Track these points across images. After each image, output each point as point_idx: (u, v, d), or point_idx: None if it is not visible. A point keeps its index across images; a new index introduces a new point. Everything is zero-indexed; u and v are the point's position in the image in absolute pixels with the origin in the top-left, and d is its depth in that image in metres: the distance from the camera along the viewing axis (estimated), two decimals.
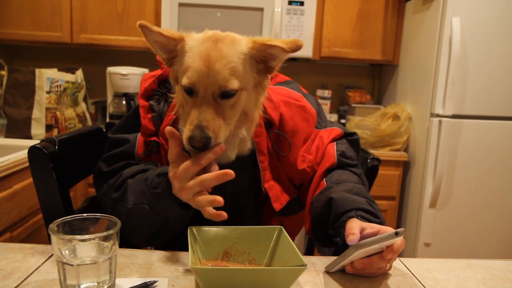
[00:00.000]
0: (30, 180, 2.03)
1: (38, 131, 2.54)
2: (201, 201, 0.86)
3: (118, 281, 0.82)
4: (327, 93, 3.24)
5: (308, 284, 0.86)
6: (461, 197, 2.62)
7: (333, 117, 3.21)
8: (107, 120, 2.86)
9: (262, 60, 0.95)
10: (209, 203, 0.85)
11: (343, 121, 3.17)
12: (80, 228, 0.81)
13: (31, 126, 2.53)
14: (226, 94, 0.89)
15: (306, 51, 2.89)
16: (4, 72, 2.56)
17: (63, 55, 3.24)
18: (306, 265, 0.77)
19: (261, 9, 2.82)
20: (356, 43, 3.02)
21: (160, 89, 1.14)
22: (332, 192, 1.05)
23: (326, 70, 3.44)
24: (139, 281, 0.83)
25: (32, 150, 1.09)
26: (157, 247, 1.21)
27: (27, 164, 1.97)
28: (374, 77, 3.51)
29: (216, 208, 0.87)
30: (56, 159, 1.11)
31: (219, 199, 0.84)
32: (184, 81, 0.90)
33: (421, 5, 2.75)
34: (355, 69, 3.48)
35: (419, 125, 2.74)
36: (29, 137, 2.52)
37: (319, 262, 0.96)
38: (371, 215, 0.98)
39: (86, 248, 0.76)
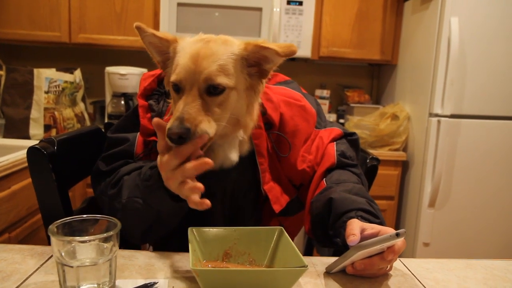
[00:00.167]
0: (29, 180, 2.02)
1: (37, 131, 2.54)
2: (184, 190, 0.85)
3: (118, 282, 0.82)
4: (325, 93, 3.24)
5: (308, 285, 0.86)
6: (460, 196, 2.62)
7: (332, 117, 3.21)
8: (106, 120, 2.86)
9: (255, 63, 0.94)
10: (191, 191, 0.84)
11: (341, 121, 3.17)
12: (79, 229, 0.81)
13: (30, 126, 2.52)
14: (213, 90, 0.88)
15: (305, 51, 2.89)
16: (2, 72, 2.55)
17: (62, 55, 3.23)
18: (307, 266, 0.77)
19: (259, 9, 2.82)
20: (355, 43, 3.02)
21: (159, 89, 1.14)
22: (332, 192, 1.05)
23: (325, 70, 3.44)
24: (139, 282, 0.82)
25: (31, 150, 1.08)
26: (155, 247, 1.21)
27: (26, 164, 1.97)
28: (373, 77, 3.51)
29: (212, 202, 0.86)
30: (55, 160, 1.10)
31: (199, 185, 0.84)
32: (172, 78, 0.90)
33: (419, 5, 2.75)
34: (353, 69, 3.48)
35: (417, 125, 2.74)
36: (27, 137, 2.51)
37: (320, 263, 0.96)
38: (371, 216, 0.98)
39: (86, 249, 0.76)
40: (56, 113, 2.60)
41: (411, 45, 2.90)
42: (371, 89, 3.51)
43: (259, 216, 1.19)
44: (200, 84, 0.87)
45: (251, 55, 0.92)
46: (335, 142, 1.20)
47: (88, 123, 2.91)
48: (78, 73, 2.78)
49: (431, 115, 2.58)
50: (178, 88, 0.90)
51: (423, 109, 2.65)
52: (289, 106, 1.15)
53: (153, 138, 1.09)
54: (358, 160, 1.24)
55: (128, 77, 2.78)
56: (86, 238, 0.76)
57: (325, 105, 3.20)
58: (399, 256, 0.91)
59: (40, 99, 2.54)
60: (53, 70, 2.63)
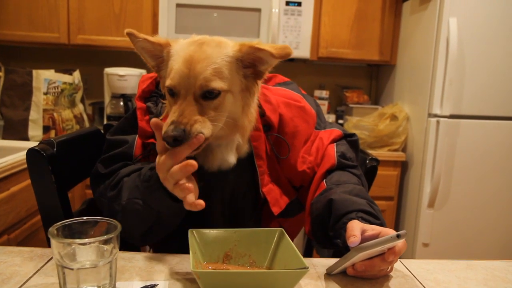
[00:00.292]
0: (28, 182, 2.02)
1: (36, 132, 2.53)
2: (176, 192, 0.86)
3: (118, 284, 0.82)
4: (324, 93, 3.24)
5: (309, 286, 0.86)
6: (459, 197, 2.62)
7: (331, 118, 3.21)
8: (105, 121, 2.85)
9: (250, 64, 0.94)
10: (182, 192, 0.84)
11: (340, 121, 3.17)
12: (79, 231, 0.80)
13: (28, 128, 2.51)
14: (209, 95, 0.88)
15: (304, 52, 2.89)
16: (1, 73, 2.54)
17: (60, 56, 3.23)
18: (308, 268, 0.76)
19: (258, 10, 2.82)
20: (354, 43, 3.03)
21: (157, 91, 1.14)
22: (332, 193, 1.05)
23: (324, 70, 3.44)
24: (139, 284, 0.82)
25: (31, 152, 1.08)
26: (155, 249, 1.21)
27: (25, 166, 1.97)
28: (372, 78, 3.51)
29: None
30: (54, 161, 1.10)
31: (189, 186, 0.84)
32: (166, 83, 0.90)
33: (418, 5, 2.76)
34: (352, 70, 3.48)
35: (417, 125, 2.74)
36: (26, 138, 2.51)
37: (320, 264, 0.96)
38: (372, 217, 0.98)
39: (86, 251, 0.76)
40: (55, 114, 2.60)
41: (410, 45, 2.90)
42: (370, 90, 3.51)
43: (259, 218, 1.19)
44: (195, 89, 0.87)
45: (245, 57, 0.92)
46: (335, 143, 1.20)
47: (87, 124, 2.91)
48: (77, 74, 2.77)
49: (430, 115, 2.58)
50: (173, 93, 0.90)
51: (422, 109, 2.65)
52: (288, 107, 1.15)
53: (151, 140, 1.09)
54: (358, 161, 1.24)
55: (127, 78, 2.78)
56: (86, 240, 0.75)
57: (324, 106, 3.20)
58: (400, 257, 0.91)
59: (39, 100, 2.53)
60: (52, 71, 2.62)
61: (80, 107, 2.87)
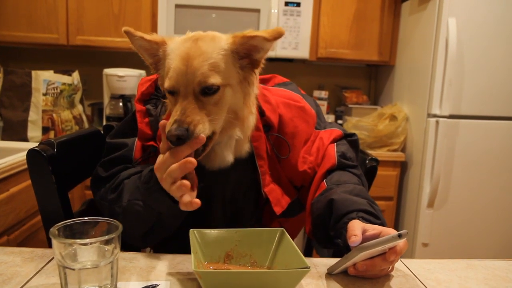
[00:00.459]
0: (27, 182, 2.02)
1: (35, 133, 2.53)
2: (173, 191, 0.86)
3: (119, 284, 0.82)
4: (324, 94, 3.24)
5: (310, 286, 0.86)
6: (458, 197, 2.62)
7: (330, 118, 3.21)
8: (104, 122, 2.85)
9: (245, 55, 0.94)
10: (179, 190, 0.84)
11: (340, 121, 3.17)
12: (81, 231, 0.80)
13: (28, 129, 2.51)
14: (208, 91, 0.88)
15: (303, 52, 2.89)
16: (0, 74, 2.54)
17: (60, 57, 3.22)
18: (309, 267, 0.76)
19: (257, 10, 2.82)
20: (353, 44, 3.03)
21: (157, 93, 1.14)
22: (332, 193, 1.05)
23: (323, 71, 3.44)
24: (140, 284, 0.82)
25: (31, 153, 1.08)
26: (156, 250, 1.21)
27: (24, 166, 1.97)
28: (371, 78, 3.51)
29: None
30: (54, 162, 1.10)
31: (186, 182, 0.84)
32: (166, 83, 0.90)
33: (417, 5, 2.76)
34: (351, 70, 3.48)
35: (416, 125, 2.74)
36: (25, 139, 2.51)
37: (321, 264, 0.96)
38: (372, 216, 0.98)
39: (87, 252, 0.76)
40: (54, 115, 2.59)
41: (409, 46, 2.90)
42: (369, 90, 3.51)
43: (259, 218, 1.19)
44: (194, 86, 0.88)
45: (240, 47, 0.93)
46: (335, 143, 1.20)
47: (86, 125, 2.91)
48: (76, 75, 2.77)
49: (430, 115, 2.58)
50: (173, 92, 0.90)
51: (422, 109, 2.65)
52: (288, 107, 1.15)
53: (151, 142, 1.09)
54: (358, 161, 1.24)
55: (126, 79, 2.78)
56: (88, 240, 0.75)
57: (323, 106, 3.20)
58: (400, 257, 0.91)
59: (38, 101, 2.53)
60: (51, 72, 2.62)
61: (79, 108, 2.87)
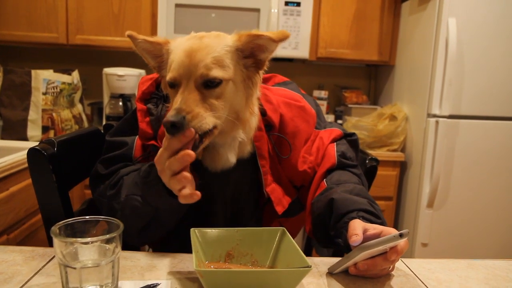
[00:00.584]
0: (27, 182, 2.02)
1: (34, 132, 2.53)
2: (173, 184, 0.85)
3: (120, 283, 0.82)
4: (323, 93, 3.25)
5: (311, 285, 0.86)
6: (458, 197, 2.63)
7: (330, 118, 3.21)
8: (104, 122, 2.85)
9: (250, 54, 0.94)
10: (179, 182, 0.84)
11: (339, 121, 3.17)
12: (82, 230, 0.80)
13: (27, 128, 2.51)
14: (210, 84, 0.88)
15: (303, 52, 2.89)
16: None
17: (59, 56, 3.22)
18: (310, 267, 0.77)
19: (257, 10, 2.82)
20: (353, 43, 3.03)
21: (158, 92, 1.14)
22: (333, 193, 1.05)
23: (323, 70, 3.45)
24: (141, 283, 0.82)
25: (32, 152, 1.08)
26: (156, 249, 1.20)
27: (24, 166, 1.97)
28: (371, 78, 3.51)
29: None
30: (55, 161, 1.10)
31: (187, 175, 0.83)
32: (168, 76, 0.90)
33: (417, 5, 2.76)
34: (351, 70, 3.48)
35: (416, 125, 2.74)
36: (25, 138, 2.50)
37: (321, 263, 0.96)
38: (373, 216, 0.98)
39: (89, 250, 0.76)
40: (54, 114, 2.59)
41: (409, 46, 2.91)
42: (369, 90, 3.51)
43: (260, 217, 1.19)
44: (196, 77, 0.88)
45: (245, 46, 0.93)
46: (335, 143, 1.20)
47: (86, 124, 2.90)
48: (76, 74, 2.77)
49: (429, 115, 2.58)
50: (174, 84, 0.90)
51: (421, 109, 2.65)
52: (289, 107, 1.15)
53: (152, 142, 1.09)
54: (357, 160, 1.24)
55: (126, 78, 2.77)
56: (89, 239, 0.75)
57: (323, 106, 3.20)
58: (400, 257, 0.91)
59: (38, 100, 2.53)
60: (51, 71, 2.62)
61: (79, 107, 2.87)
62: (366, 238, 0.85)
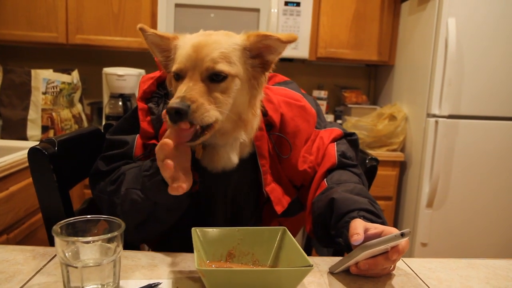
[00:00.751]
0: (27, 181, 2.01)
1: (34, 132, 2.53)
2: (161, 171, 0.87)
3: (121, 283, 0.81)
4: (323, 93, 3.25)
5: (312, 284, 0.86)
6: (457, 197, 2.63)
7: (329, 118, 3.21)
8: (103, 121, 2.85)
9: (257, 54, 0.95)
10: (163, 170, 0.85)
11: (339, 121, 3.17)
12: (83, 229, 0.80)
13: (27, 127, 2.51)
14: (216, 78, 0.88)
15: (303, 52, 2.89)
16: None
17: (59, 55, 3.22)
18: (312, 266, 0.77)
19: (257, 10, 2.82)
20: (352, 43, 3.03)
21: (159, 91, 1.14)
22: (333, 192, 1.05)
23: (322, 70, 3.45)
24: (143, 283, 0.82)
25: (32, 151, 1.08)
26: (157, 248, 1.20)
27: (24, 165, 1.97)
28: (370, 78, 3.52)
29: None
30: (56, 160, 1.10)
31: (167, 161, 0.84)
32: (174, 67, 0.91)
33: (416, 5, 2.76)
34: (351, 70, 3.48)
35: (415, 125, 2.75)
36: (25, 138, 2.50)
37: (322, 263, 0.96)
38: (374, 215, 0.98)
39: (90, 250, 0.76)
40: (53, 114, 2.59)
41: (409, 46, 2.91)
42: (368, 90, 3.51)
43: (259, 217, 1.19)
44: (202, 70, 0.88)
45: (253, 46, 0.93)
46: (335, 143, 1.20)
47: (85, 124, 2.90)
48: (75, 74, 2.77)
49: (429, 115, 2.59)
50: (179, 76, 0.90)
51: (421, 109, 2.66)
52: (289, 106, 1.15)
53: (153, 141, 1.09)
54: (357, 160, 1.24)
55: (126, 78, 2.77)
56: (91, 238, 0.75)
57: (322, 106, 3.20)
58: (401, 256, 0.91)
59: (38, 100, 2.53)
60: (51, 71, 2.62)
61: (78, 107, 2.86)
62: (367, 238, 0.86)
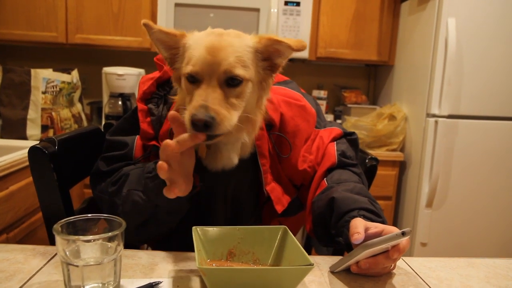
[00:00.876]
0: (27, 181, 2.01)
1: (34, 131, 2.53)
2: (157, 171, 0.86)
3: (122, 282, 0.82)
4: (323, 93, 3.25)
5: (313, 283, 0.86)
6: (457, 197, 2.63)
7: (329, 118, 3.21)
8: (103, 121, 2.85)
9: (267, 57, 0.95)
10: (159, 172, 0.84)
11: (339, 121, 3.17)
12: (84, 228, 0.80)
13: (27, 127, 2.51)
14: (232, 82, 0.88)
15: (302, 52, 2.88)
16: None
17: (59, 55, 3.22)
18: (313, 265, 0.77)
19: (257, 10, 2.82)
20: (352, 43, 3.03)
21: (158, 92, 1.13)
22: (333, 191, 1.05)
23: (322, 70, 3.45)
24: (143, 281, 0.82)
25: (33, 150, 1.08)
26: (157, 247, 1.20)
27: (24, 165, 1.97)
28: (370, 78, 3.52)
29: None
30: (56, 159, 1.10)
31: (161, 163, 0.84)
32: (187, 69, 0.89)
33: (416, 5, 2.77)
34: (351, 70, 3.48)
35: (415, 125, 2.75)
36: (24, 137, 2.50)
37: (323, 262, 0.96)
38: (374, 215, 0.98)
39: (91, 248, 0.76)
40: (53, 113, 2.59)
41: (408, 45, 2.91)
42: (368, 90, 3.52)
43: (259, 217, 1.19)
44: (219, 75, 0.87)
45: (264, 49, 0.93)
46: (335, 142, 1.20)
47: (85, 123, 2.90)
48: (75, 73, 2.77)
49: (429, 115, 2.59)
50: (195, 79, 0.89)
51: (421, 109, 2.66)
52: (289, 106, 1.15)
53: (153, 142, 1.09)
54: (357, 159, 1.24)
55: (126, 77, 2.77)
56: (91, 237, 0.75)
57: (322, 106, 3.20)
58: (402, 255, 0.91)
59: (37, 99, 2.53)
60: (50, 70, 2.61)
61: (78, 106, 2.86)
62: (368, 237, 0.86)
